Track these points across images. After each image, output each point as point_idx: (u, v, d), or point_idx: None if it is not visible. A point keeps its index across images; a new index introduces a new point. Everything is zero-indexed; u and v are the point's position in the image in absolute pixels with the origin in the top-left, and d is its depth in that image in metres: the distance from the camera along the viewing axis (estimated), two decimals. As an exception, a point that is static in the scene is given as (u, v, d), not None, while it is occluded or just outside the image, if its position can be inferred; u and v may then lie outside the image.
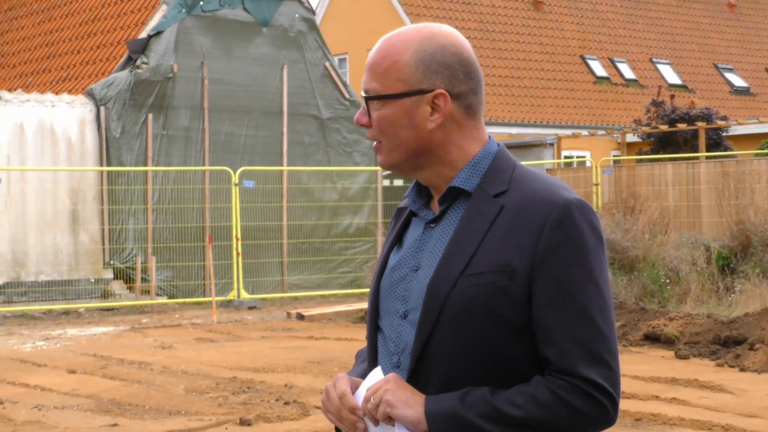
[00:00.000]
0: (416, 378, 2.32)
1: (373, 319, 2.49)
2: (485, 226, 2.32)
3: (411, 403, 2.25)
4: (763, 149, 23.65)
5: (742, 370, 11.16)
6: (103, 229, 19.45)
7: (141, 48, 19.80)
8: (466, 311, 2.28)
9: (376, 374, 2.36)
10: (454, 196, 2.41)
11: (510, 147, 27.19)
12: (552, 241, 2.28)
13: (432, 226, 2.43)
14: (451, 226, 2.39)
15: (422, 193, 2.50)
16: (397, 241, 2.52)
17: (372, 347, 2.51)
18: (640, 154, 26.64)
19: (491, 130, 29.66)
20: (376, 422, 2.28)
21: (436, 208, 2.46)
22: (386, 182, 23.72)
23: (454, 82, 2.39)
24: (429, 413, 2.24)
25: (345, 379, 2.39)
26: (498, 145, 2.47)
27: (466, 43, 2.43)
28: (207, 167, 20.29)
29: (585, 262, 2.30)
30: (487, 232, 2.32)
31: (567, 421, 2.25)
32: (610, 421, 2.29)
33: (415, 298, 2.36)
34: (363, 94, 2.44)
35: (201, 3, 20.48)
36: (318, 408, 9.41)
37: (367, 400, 2.27)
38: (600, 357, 2.27)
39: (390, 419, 2.25)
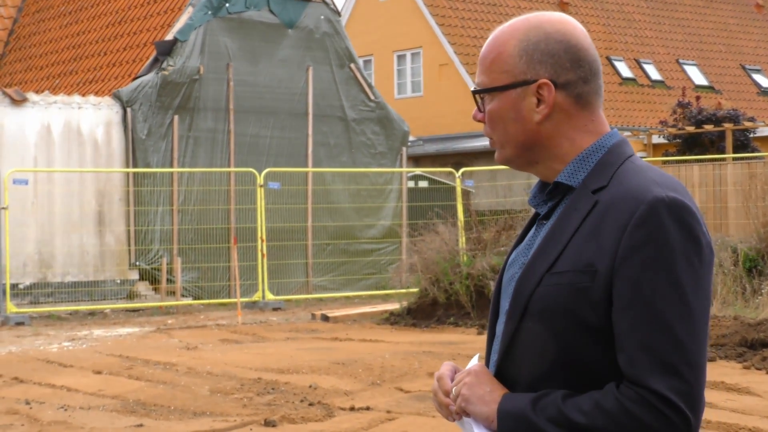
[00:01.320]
0: (504, 375, 2.29)
1: (491, 320, 2.46)
2: (577, 223, 2.24)
3: (487, 400, 2.22)
4: (790, 151, 23.48)
5: (770, 373, 11.11)
6: (129, 231, 19.52)
7: (168, 50, 19.86)
8: (547, 311, 2.22)
9: (473, 363, 2.35)
10: (561, 191, 2.34)
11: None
12: (633, 241, 2.17)
13: (543, 222, 2.38)
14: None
15: (544, 189, 2.42)
16: (521, 240, 2.47)
17: (489, 341, 2.47)
18: (666, 156, 26.53)
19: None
20: (456, 414, 2.30)
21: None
22: (411, 184, 23.73)
23: (560, 71, 2.31)
24: (500, 411, 2.20)
25: (450, 364, 2.38)
26: (619, 137, 2.37)
27: (579, 31, 2.34)
28: (232, 169, 20.34)
29: (667, 265, 2.16)
30: (577, 229, 2.23)
31: None
32: None
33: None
34: (479, 87, 2.40)
35: (227, 5, 20.52)
36: (342, 409, 9.42)
37: (450, 391, 2.29)
38: (673, 368, 2.13)
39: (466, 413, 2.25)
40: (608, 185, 2.26)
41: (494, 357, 2.36)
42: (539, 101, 2.31)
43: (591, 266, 2.18)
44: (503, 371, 2.29)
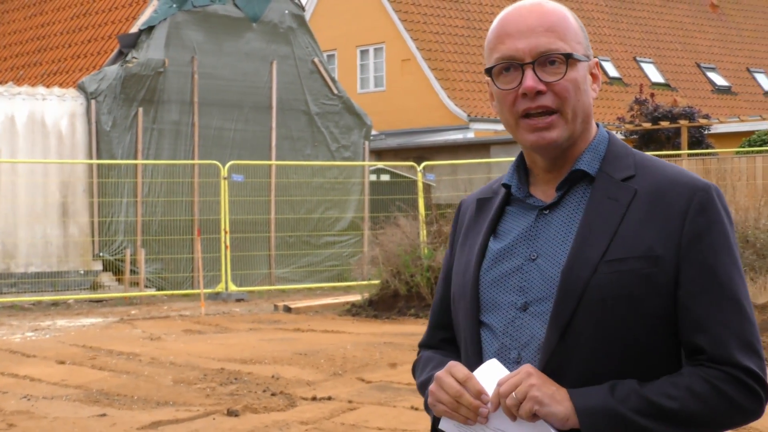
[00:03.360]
0: (548, 372, 2.15)
1: (474, 312, 2.31)
2: (620, 211, 2.19)
3: (559, 399, 2.10)
4: (743, 147, 23.71)
5: None
6: (92, 222, 19.43)
7: (132, 42, 19.79)
8: (609, 299, 2.15)
9: (494, 366, 2.18)
10: (574, 180, 2.27)
11: (498, 143, 27.38)
12: (698, 227, 2.17)
13: (546, 212, 2.28)
14: (574, 212, 2.25)
15: (522, 180, 2.34)
16: (491, 231, 2.36)
17: (473, 341, 2.31)
18: (624, 151, 26.67)
19: (479, 126, 29.76)
20: (513, 417, 2.10)
21: (540, 194, 2.32)
22: (373, 177, 23.76)
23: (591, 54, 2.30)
24: (581, 409, 2.09)
25: (461, 366, 2.19)
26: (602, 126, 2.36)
27: None
28: (196, 161, 20.29)
29: (730, 249, 2.20)
30: (623, 216, 2.18)
31: (723, 412, 2.15)
32: (761, 412, 2.19)
33: (539, 289, 2.22)
34: (545, 54, 2.21)
35: (191, -2, 20.48)
36: (305, 399, 9.43)
37: (506, 394, 2.08)
38: (753, 346, 2.16)
39: (534, 416, 2.09)
40: (636, 175, 2.24)
41: (515, 353, 2.22)
42: (594, 81, 2.31)
43: (652, 252, 2.16)
44: (549, 366, 2.15)
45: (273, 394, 9.70)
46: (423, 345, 2.55)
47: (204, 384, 10.32)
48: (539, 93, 2.19)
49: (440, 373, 2.18)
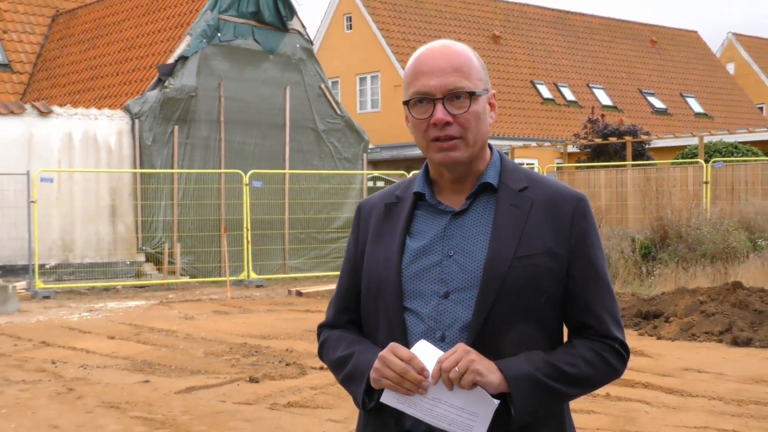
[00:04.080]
0: (481, 345, 2.19)
1: (398, 300, 2.29)
2: (523, 217, 2.25)
3: (492, 370, 2.14)
4: (677, 159, 23.75)
5: (659, 338, 11.26)
6: (136, 221, 19.40)
7: (169, 71, 19.77)
8: (523, 288, 2.21)
9: (426, 346, 2.19)
10: (481, 190, 2.31)
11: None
12: (582, 229, 2.28)
13: (458, 217, 2.30)
14: (482, 216, 2.29)
15: (431, 189, 2.36)
16: (406, 231, 2.34)
17: (398, 324, 2.29)
18: (578, 162, 26.74)
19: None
20: (451, 388, 2.12)
21: (447, 201, 2.33)
22: (370, 183, 23.79)
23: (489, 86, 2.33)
24: (509, 377, 2.15)
25: (402, 347, 2.18)
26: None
27: None
28: (222, 170, 20.26)
29: (600, 245, 2.33)
30: (526, 221, 2.25)
31: (605, 374, 2.28)
32: (623, 372, 2.34)
33: (459, 280, 2.25)
34: (452, 91, 2.23)
35: (219, 34, 20.43)
36: (314, 369, 9.44)
37: (448, 369, 2.10)
38: (620, 322, 2.32)
39: (473, 385, 2.12)
40: (529, 186, 2.30)
41: (439, 333, 2.23)
42: (491, 109, 2.33)
43: (551, 250, 2.24)
44: (479, 342, 2.19)
45: (287, 365, 9.72)
46: (327, 325, 2.51)
47: (229, 356, 10.34)
48: (447, 123, 2.23)
49: (384, 353, 2.17)
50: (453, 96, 2.23)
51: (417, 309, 2.27)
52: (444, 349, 2.17)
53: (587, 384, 2.26)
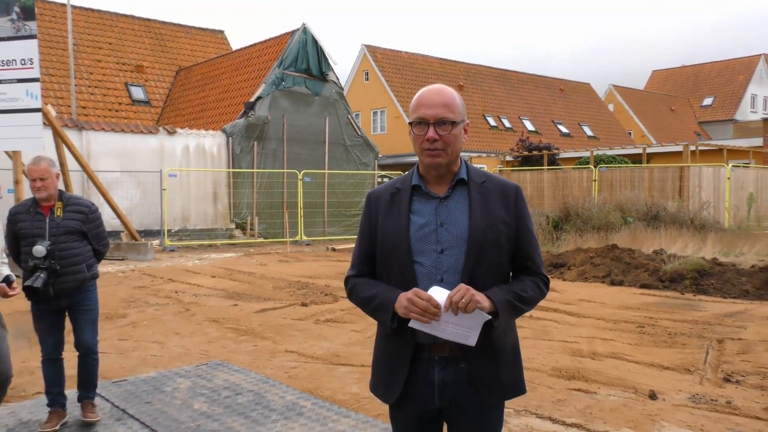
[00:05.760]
0: (472, 282, 2.19)
1: (409, 256, 2.24)
2: (486, 200, 2.27)
3: (484, 298, 2.14)
4: (577, 166, 23.62)
5: (564, 280, 11.24)
6: (230, 202, 19.38)
7: (251, 106, 19.69)
8: (491, 245, 2.23)
9: (437, 288, 2.16)
10: (457, 183, 2.30)
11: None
12: (521, 207, 2.30)
13: (443, 201, 2.28)
14: (459, 200, 2.27)
15: (423, 182, 2.34)
16: (409, 210, 2.28)
17: (410, 272, 2.23)
18: (512, 167, 26.62)
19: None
20: (457, 313, 2.11)
21: (434, 190, 2.30)
22: (379, 179, 23.68)
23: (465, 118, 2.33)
24: (495, 301, 2.16)
25: (422, 290, 2.15)
26: None
27: None
28: (285, 170, 20.20)
29: (531, 217, 2.35)
30: (489, 202, 2.27)
31: (540, 296, 2.31)
32: (546, 295, 2.36)
33: (449, 241, 2.23)
34: (441, 119, 2.21)
35: (283, 83, 20.31)
36: (343, 297, 9.46)
37: (458, 300, 2.09)
38: (543, 263, 2.36)
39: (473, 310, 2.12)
40: (486, 180, 2.32)
41: (439, 276, 2.21)
42: (465, 132, 2.33)
43: (505, 221, 2.27)
44: (470, 282, 2.19)
45: (326, 294, 9.73)
46: (354, 276, 2.43)
47: (289, 289, 10.35)
48: (435, 140, 2.23)
49: (411, 296, 2.13)
50: (440, 122, 2.24)
51: (422, 261, 2.24)
52: (444, 287, 2.19)
53: (532, 303, 2.28)
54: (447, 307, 2.11)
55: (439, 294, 2.15)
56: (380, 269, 2.35)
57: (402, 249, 2.25)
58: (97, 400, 4.81)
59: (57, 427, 4.35)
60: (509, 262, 2.31)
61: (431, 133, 2.24)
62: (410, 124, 2.29)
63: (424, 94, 2.28)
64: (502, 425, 2.38)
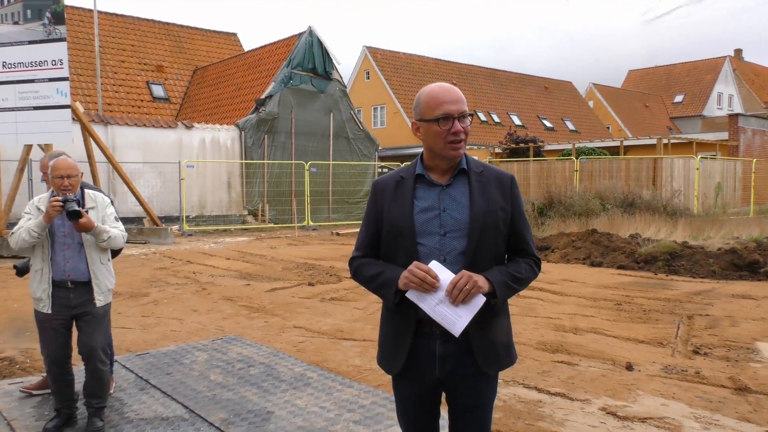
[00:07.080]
0: (471, 265, 2.17)
1: (414, 238, 2.20)
2: (485, 187, 2.24)
3: (484, 281, 2.14)
4: (560, 157, 23.55)
5: (548, 262, 11.21)
6: (243, 191, 19.32)
7: (262, 103, 19.59)
8: (491, 229, 2.21)
9: (437, 263, 2.13)
10: (458, 172, 2.27)
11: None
12: (515, 194, 2.29)
13: (445, 188, 2.24)
14: (460, 187, 2.24)
15: (424, 171, 2.30)
16: (413, 196, 2.25)
17: (414, 253, 2.19)
18: (501, 159, 26.53)
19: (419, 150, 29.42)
20: (457, 303, 2.08)
21: (436, 179, 2.26)
22: (379, 170, 23.60)
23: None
24: (494, 282, 2.15)
25: (421, 264, 2.13)
26: None
27: None
28: (293, 161, 20.12)
29: (523, 203, 2.38)
30: (487, 190, 2.24)
31: (532, 277, 2.27)
32: (538, 275, 2.43)
33: (451, 225, 2.20)
34: (462, 113, 2.18)
35: (291, 81, 20.18)
36: (347, 278, 9.44)
37: (461, 287, 2.08)
38: (534, 246, 2.33)
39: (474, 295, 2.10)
40: (484, 170, 2.29)
41: (442, 257, 2.18)
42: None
43: (503, 207, 2.25)
44: (471, 263, 2.17)
45: (330, 275, 9.72)
46: (358, 256, 2.38)
47: (297, 270, 10.33)
48: (460, 132, 2.21)
49: (411, 267, 2.12)
50: (462, 116, 2.22)
51: (426, 243, 2.21)
52: (445, 266, 2.15)
53: (526, 282, 2.26)
54: (449, 291, 2.09)
55: (438, 268, 2.13)
56: (386, 252, 2.31)
57: (407, 231, 2.23)
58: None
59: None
60: (505, 245, 2.29)
61: (458, 126, 2.20)
62: (428, 121, 2.21)
63: (441, 92, 2.21)
64: (496, 393, 2.37)
